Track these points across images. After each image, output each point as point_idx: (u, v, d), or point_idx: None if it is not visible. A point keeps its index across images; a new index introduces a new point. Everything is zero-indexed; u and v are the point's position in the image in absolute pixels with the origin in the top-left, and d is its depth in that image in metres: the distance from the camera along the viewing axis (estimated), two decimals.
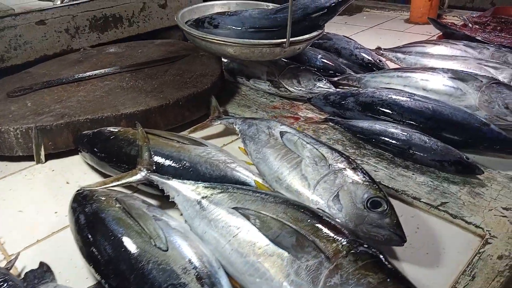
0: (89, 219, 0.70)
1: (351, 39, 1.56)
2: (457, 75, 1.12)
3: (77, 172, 1.01)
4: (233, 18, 1.28)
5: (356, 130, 1.04)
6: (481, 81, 1.09)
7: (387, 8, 2.29)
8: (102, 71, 1.32)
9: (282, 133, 0.93)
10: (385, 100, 1.07)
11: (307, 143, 0.88)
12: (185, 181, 0.81)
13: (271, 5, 1.45)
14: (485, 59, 1.31)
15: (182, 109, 1.16)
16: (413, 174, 0.91)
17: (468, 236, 0.76)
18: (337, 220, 0.72)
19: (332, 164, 0.81)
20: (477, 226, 0.76)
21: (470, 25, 1.73)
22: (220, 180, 0.84)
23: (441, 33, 1.67)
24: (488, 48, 1.36)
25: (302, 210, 0.68)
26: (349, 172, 0.78)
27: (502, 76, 1.17)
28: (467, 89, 1.09)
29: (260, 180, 0.85)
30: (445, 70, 1.15)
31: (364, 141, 1.03)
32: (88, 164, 1.02)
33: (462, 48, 1.39)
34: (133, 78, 1.28)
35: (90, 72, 1.30)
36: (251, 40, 1.17)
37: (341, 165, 0.80)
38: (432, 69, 1.18)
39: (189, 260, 0.62)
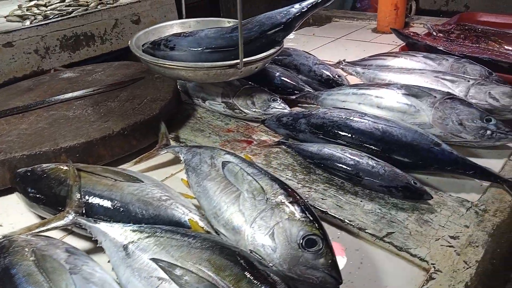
0: None
1: (310, 54, 1.52)
2: (410, 91, 1.08)
3: (13, 214, 0.96)
4: (189, 39, 1.24)
5: (306, 155, 1.00)
6: (435, 97, 1.05)
7: (355, 18, 2.27)
8: (53, 98, 1.27)
9: (224, 164, 0.89)
10: (335, 122, 1.03)
11: (248, 174, 0.83)
12: (113, 224, 0.75)
13: (232, 22, 1.41)
14: (444, 71, 1.28)
15: (128, 138, 1.11)
16: (361, 201, 0.87)
17: (413, 271, 0.72)
18: (270, 263, 0.68)
19: (270, 198, 0.76)
20: (422, 259, 0.72)
21: (434, 33, 1.70)
22: (153, 220, 0.79)
23: (404, 44, 1.64)
24: (447, 59, 1.32)
25: (228, 257, 0.63)
26: (286, 207, 0.73)
27: (458, 90, 1.13)
28: (420, 105, 1.05)
29: (196, 218, 0.80)
30: (399, 86, 1.11)
31: (314, 165, 0.99)
32: None
33: (422, 60, 1.35)
34: (80, 106, 1.23)
35: (35, 102, 1.25)
36: (203, 63, 1.13)
37: (279, 199, 0.75)
38: (387, 85, 1.14)
39: None
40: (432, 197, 0.83)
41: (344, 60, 1.52)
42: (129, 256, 0.69)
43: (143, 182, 0.86)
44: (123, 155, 1.11)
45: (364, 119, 1.00)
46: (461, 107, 1.02)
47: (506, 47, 1.53)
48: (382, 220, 0.81)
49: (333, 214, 0.84)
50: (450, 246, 0.73)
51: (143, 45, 1.30)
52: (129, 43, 1.29)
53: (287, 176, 0.97)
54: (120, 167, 1.06)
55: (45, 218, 0.86)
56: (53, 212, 0.85)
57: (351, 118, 1.02)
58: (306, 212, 0.73)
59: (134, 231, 0.73)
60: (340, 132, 1.01)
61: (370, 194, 0.89)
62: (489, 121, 0.99)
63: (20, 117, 1.20)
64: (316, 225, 0.70)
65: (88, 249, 0.82)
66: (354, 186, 0.91)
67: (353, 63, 1.49)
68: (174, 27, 1.42)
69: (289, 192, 0.77)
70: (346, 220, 0.82)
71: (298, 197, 0.77)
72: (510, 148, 1.01)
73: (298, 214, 0.72)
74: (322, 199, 0.89)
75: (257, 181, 0.81)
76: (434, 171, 0.93)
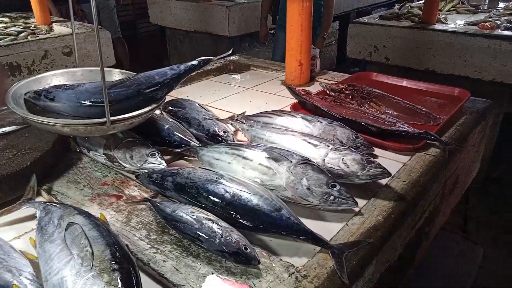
0: None
1: (203, 108, 1.60)
2: (271, 155, 1.17)
3: None
4: (69, 92, 1.27)
5: (162, 215, 1.05)
6: (291, 162, 1.14)
7: (270, 68, 2.40)
8: None
9: (68, 225, 0.91)
10: (195, 182, 1.09)
11: (86, 238, 0.86)
12: None
13: (124, 73, 1.46)
14: (314, 133, 1.40)
15: None
16: (199, 264, 0.92)
17: None
18: None
19: (96, 265, 0.79)
20: None
21: (327, 91, 1.85)
22: None
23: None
24: (321, 122, 1.44)
25: None
26: (107, 275, 0.77)
27: (318, 153, 1.24)
28: (278, 169, 1.14)
29: (26, 282, 0.81)
30: (264, 149, 1.20)
31: (168, 226, 1.04)
32: None
33: (300, 121, 1.47)
34: None
35: None
36: (72, 120, 1.17)
37: (103, 266, 0.79)
38: (254, 147, 1.22)
39: None
40: (259, 263, 0.90)
41: (241, 114, 1.61)
42: None
43: None
44: None
45: (218, 182, 1.07)
46: (311, 172, 1.11)
47: (384, 109, 1.69)
48: (210, 283, 0.86)
49: (168, 278, 0.88)
50: None
51: (25, 93, 1.31)
52: (8, 92, 1.29)
53: (140, 236, 1.01)
54: None
55: None
56: None
57: (209, 180, 1.08)
58: (125, 279, 0.77)
59: None
60: (198, 193, 1.07)
61: (211, 257, 0.94)
62: (334, 187, 1.09)
63: None
64: None
65: None
66: (198, 248, 0.97)
67: (247, 117, 1.58)
68: (64, 75, 1.45)
69: (117, 259, 0.81)
70: (177, 284, 0.87)
71: (125, 264, 0.80)
72: (353, 212, 1.10)
73: (115, 282, 0.76)
74: (164, 261, 0.93)
75: (90, 246, 0.84)
76: (274, 234, 1.01)
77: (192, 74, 2.15)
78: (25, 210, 1.08)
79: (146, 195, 1.17)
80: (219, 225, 0.96)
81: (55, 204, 1.03)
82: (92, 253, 0.82)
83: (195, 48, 4.80)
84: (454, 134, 1.55)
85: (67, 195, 1.18)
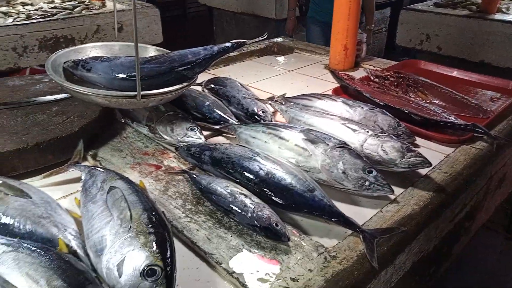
0: None
1: (244, 87, 1.61)
2: (308, 136, 1.17)
3: None
4: (105, 64, 1.33)
5: (198, 186, 1.08)
6: (328, 145, 1.14)
7: (315, 52, 2.37)
8: None
9: (110, 189, 0.96)
10: (231, 158, 1.11)
11: (126, 201, 0.91)
12: None
13: (160, 50, 1.50)
14: (354, 118, 1.37)
15: (43, 152, 1.18)
16: (231, 236, 0.95)
17: None
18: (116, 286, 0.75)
19: (133, 227, 0.83)
20: None
21: (371, 78, 1.80)
22: (28, 235, 0.86)
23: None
24: (363, 107, 1.41)
25: (66, 279, 0.71)
26: (143, 237, 0.81)
27: (356, 139, 1.22)
28: (314, 151, 1.13)
29: (69, 237, 0.87)
30: (301, 130, 1.20)
31: (203, 197, 1.07)
32: None
33: (340, 105, 1.44)
34: (11, 116, 1.31)
35: None
36: (105, 91, 1.21)
37: (140, 229, 0.83)
38: (291, 128, 1.22)
39: None
40: (289, 240, 0.90)
41: (281, 95, 1.61)
42: None
43: (31, 198, 0.94)
44: (38, 167, 1.18)
45: (254, 159, 1.08)
46: (348, 157, 1.10)
47: (430, 99, 1.63)
48: (240, 256, 0.89)
49: (200, 246, 0.91)
50: (286, 287, 0.81)
51: (65, 62, 1.37)
52: (48, 60, 1.34)
53: (176, 205, 1.05)
54: (29, 179, 1.14)
55: None
56: None
57: (244, 157, 1.10)
58: (159, 243, 0.80)
59: (2, 244, 0.80)
60: (233, 169, 1.09)
61: (242, 230, 0.96)
62: (370, 172, 1.07)
63: None
64: (161, 257, 0.77)
65: None
66: (231, 221, 0.99)
67: (286, 99, 1.57)
68: (103, 48, 1.50)
69: (153, 223, 0.85)
70: (208, 253, 0.89)
71: (160, 229, 0.84)
72: (388, 200, 1.08)
73: (150, 244, 0.79)
74: (197, 230, 0.96)
75: (129, 209, 0.88)
76: (306, 214, 1.01)
77: (232, 55, 2.18)
78: (72, 173, 1.15)
79: (184, 167, 1.21)
80: (252, 200, 0.97)
81: (99, 169, 1.08)
82: (131, 215, 0.86)
83: (241, 30, 4.80)
84: (504, 128, 1.47)
85: (110, 162, 1.24)
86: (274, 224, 0.91)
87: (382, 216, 1.02)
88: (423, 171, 1.19)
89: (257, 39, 1.38)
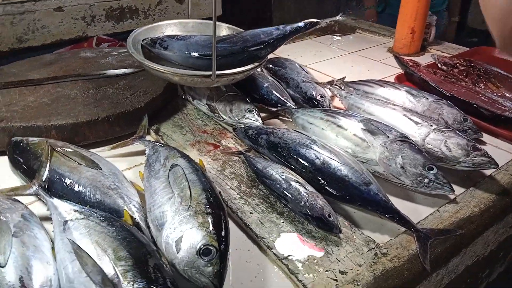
0: None
1: (303, 69, 1.59)
2: (368, 127, 1.14)
3: (2, 174, 1.14)
4: (180, 43, 1.36)
5: (253, 169, 1.10)
6: (388, 137, 1.11)
7: (378, 33, 2.27)
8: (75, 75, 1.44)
9: (172, 166, 1.01)
10: (287, 144, 1.12)
11: (186, 180, 0.95)
12: (64, 201, 0.91)
13: (232, 28, 1.51)
14: (417, 109, 1.32)
15: (112, 125, 1.26)
16: (283, 222, 0.97)
17: None
18: (172, 261, 0.80)
19: (193, 206, 0.88)
20: (304, 286, 0.81)
21: (439, 65, 1.70)
22: (97, 204, 0.94)
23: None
24: (427, 98, 1.35)
25: (131, 250, 0.76)
26: (201, 216, 0.85)
27: (418, 133, 1.17)
28: (373, 142, 1.11)
29: (134, 209, 0.94)
30: (361, 119, 1.18)
31: (258, 180, 1.09)
32: None
33: (403, 95, 1.39)
34: (83, 88, 1.40)
35: (48, 77, 1.43)
36: (181, 70, 1.25)
37: (199, 208, 0.87)
38: (350, 116, 1.20)
39: (20, 278, 0.73)
40: (341, 232, 0.91)
41: (340, 79, 1.58)
42: (64, 231, 0.84)
43: (101, 169, 1.02)
44: (106, 138, 1.27)
45: (310, 147, 1.08)
46: (408, 151, 1.07)
47: (503, 92, 1.52)
48: (290, 242, 0.91)
49: (253, 229, 0.95)
50: (334, 280, 0.82)
51: (143, 40, 1.43)
52: (128, 38, 1.40)
53: (231, 185, 1.09)
54: (98, 148, 1.23)
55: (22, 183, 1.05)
56: (26, 180, 1.02)
57: (301, 144, 1.10)
58: (215, 223, 0.84)
59: (75, 211, 0.88)
60: (289, 155, 1.10)
61: (294, 217, 0.98)
62: (431, 169, 1.04)
63: (32, 90, 1.38)
64: (217, 237, 0.82)
65: (46, 217, 0.98)
66: (283, 207, 1.01)
67: (346, 84, 1.54)
68: (178, 26, 1.54)
69: (211, 204, 0.89)
70: (260, 236, 0.93)
71: (217, 209, 0.88)
72: (446, 199, 1.05)
73: (207, 224, 0.83)
74: (251, 213, 0.99)
75: (189, 188, 0.93)
76: (360, 207, 1.01)
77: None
78: (137, 146, 1.22)
79: (240, 148, 1.24)
80: (306, 189, 0.98)
81: (161, 145, 1.14)
82: (191, 194, 0.91)
83: (299, 4, 4.68)
84: None
85: (171, 138, 1.30)
86: (327, 215, 0.92)
87: (439, 216, 0.99)
88: (488, 172, 1.14)
89: (331, 19, 1.35)
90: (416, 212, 1.01)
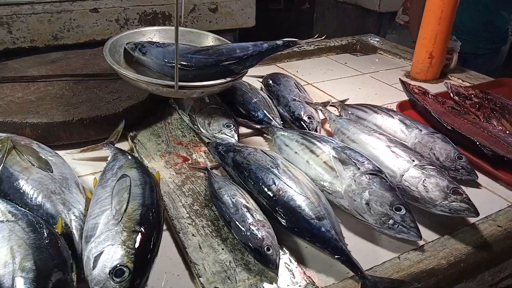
0: None
1: (297, 87, 1.52)
2: (339, 156, 1.05)
3: None
4: (158, 50, 1.34)
5: (210, 188, 1.05)
6: (359, 168, 1.01)
7: (399, 55, 2.14)
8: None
9: (122, 176, 0.98)
10: (250, 165, 1.05)
11: (128, 193, 0.92)
12: (3, 201, 0.90)
13: (218, 39, 1.48)
14: (408, 141, 1.21)
15: (87, 128, 1.25)
16: (222, 249, 0.90)
17: None
18: (87, 277, 0.77)
19: (122, 222, 0.84)
20: None
21: (451, 95, 1.56)
22: (37, 207, 0.92)
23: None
24: (421, 130, 1.23)
25: (39, 262, 0.74)
26: (126, 234, 0.81)
27: (397, 167, 1.06)
28: (342, 173, 1.02)
29: (72, 217, 0.91)
30: (335, 146, 1.09)
31: (212, 202, 1.04)
32: None
33: (396, 124, 1.27)
34: (72, 88, 1.41)
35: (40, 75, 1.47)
36: (146, 78, 1.21)
37: (128, 225, 0.83)
38: (326, 141, 1.12)
39: None
40: (277, 268, 0.83)
41: (342, 101, 1.50)
42: None
43: (51, 172, 1.00)
44: (80, 140, 1.27)
45: (271, 171, 1.01)
46: (376, 186, 0.97)
47: None
48: (222, 273, 0.84)
49: (189, 253, 0.89)
50: None
51: (127, 44, 1.42)
52: (109, 40, 1.39)
53: (185, 203, 1.04)
54: (68, 150, 1.23)
55: None
56: None
57: (262, 167, 1.03)
58: (141, 243, 0.79)
59: (10, 212, 0.87)
60: (249, 176, 1.04)
61: (236, 246, 0.91)
62: (398, 210, 0.93)
63: (24, 86, 1.42)
64: (135, 258, 0.77)
65: None
66: (229, 233, 0.95)
67: (343, 106, 1.45)
68: (168, 32, 1.52)
69: (144, 221, 0.84)
70: (193, 263, 0.87)
71: (148, 228, 0.83)
72: (414, 245, 0.93)
73: (130, 243, 0.79)
74: (193, 235, 0.94)
75: (127, 202, 0.89)
76: (309, 242, 0.92)
77: (308, 49, 2.07)
78: (105, 152, 1.20)
79: (210, 164, 1.19)
80: (253, 217, 0.91)
81: (125, 153, 1.11)
82: (126, 208, 0.87)
83: (341, 19, 4.58)
84: None
85: (144, 146, 1.27)
86: (265, 248, 0.85)
87: (397, 264, 0.88)
88: (472, 219, 1.00)
89: (310, 40, 1.28)
90: (375, 255, 0.91)
